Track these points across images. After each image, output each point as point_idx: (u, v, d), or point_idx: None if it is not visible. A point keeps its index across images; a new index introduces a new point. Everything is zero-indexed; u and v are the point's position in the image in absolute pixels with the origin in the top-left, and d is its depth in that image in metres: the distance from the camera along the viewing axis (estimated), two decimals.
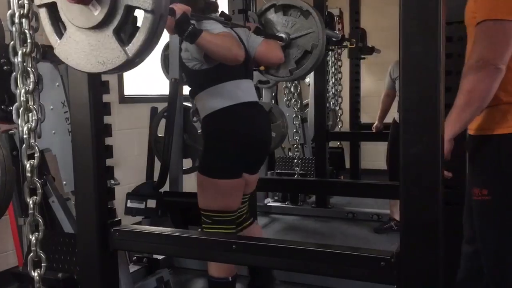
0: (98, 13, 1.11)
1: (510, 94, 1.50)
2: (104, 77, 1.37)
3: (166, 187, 3.03)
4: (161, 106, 3.23)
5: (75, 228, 1.91)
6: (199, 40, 1.86)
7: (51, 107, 2.17)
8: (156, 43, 1.14)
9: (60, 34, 1.23)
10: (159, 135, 3.19)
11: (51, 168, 2.13)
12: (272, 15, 2.58)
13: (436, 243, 0.99)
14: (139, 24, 1.13)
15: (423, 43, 0.98)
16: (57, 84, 2.19)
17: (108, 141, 1.40)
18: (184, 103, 3.21)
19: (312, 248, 1.20)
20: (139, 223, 3.07)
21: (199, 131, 3.25)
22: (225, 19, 2.18)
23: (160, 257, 2.87)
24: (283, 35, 2.47)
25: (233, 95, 2.04)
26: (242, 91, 2.08)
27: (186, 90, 3.25)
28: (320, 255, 1.15)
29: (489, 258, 1.57)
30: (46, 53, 1.90)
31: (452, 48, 1.90)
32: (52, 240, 1.97)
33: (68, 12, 1.17)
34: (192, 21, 1.91)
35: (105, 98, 1.38)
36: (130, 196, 2.87)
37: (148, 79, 4.25)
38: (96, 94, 1.34)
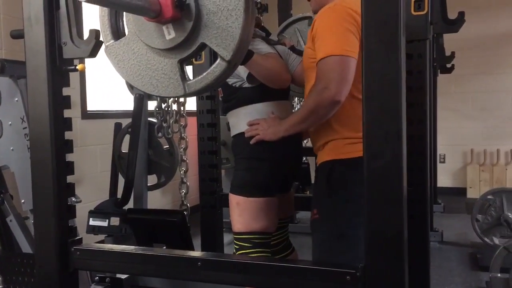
0: (170, 38, 1.04)
1: (350, 129, 1.68)
2: (65, 92, 1.34)
3: (130, 204, 2.98)
4: (125, 121, 3.18)
5: (33, 248, 1.85)
6: (250, 62, 1.79)
7: (10, 122, 2.12)
8: (216, 88, 1.10)
9: (116, 34, 1.13)
10: (123, 151, 3.14)
11: (9, 186, 2.08)
12: (302, 26, 2.50)
13: (401, 256, 1.00)
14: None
15: (385, 60, 1.00)
16: (16, 99, 2.13)
17: (70, 157, 1.36)
18: (149, 119, 3.17)
19: (277, 263, 1.20)
20: (102, 241, 2.99)
21: (164, 147, 3.22)
22: (266, 35, 2.11)
23: (123, 276, 2.80)
24: None
25: (267, 116, 1.97)
26: (277, 112, 2.00)
27: (151, 105, 3.24)
28: (285, 270, 1.15)
29: None
30: (5, 67, 1.85)
31: (413, 65, 1.97)
32: (10, 261, 1.91)
33: (137, 22, 1.07)
34: None
35: (67, 113, 1.34)
36: (92, 213, 2.80)
37: (112, 94, 4.20)
38: (57, 109, 1.29)
